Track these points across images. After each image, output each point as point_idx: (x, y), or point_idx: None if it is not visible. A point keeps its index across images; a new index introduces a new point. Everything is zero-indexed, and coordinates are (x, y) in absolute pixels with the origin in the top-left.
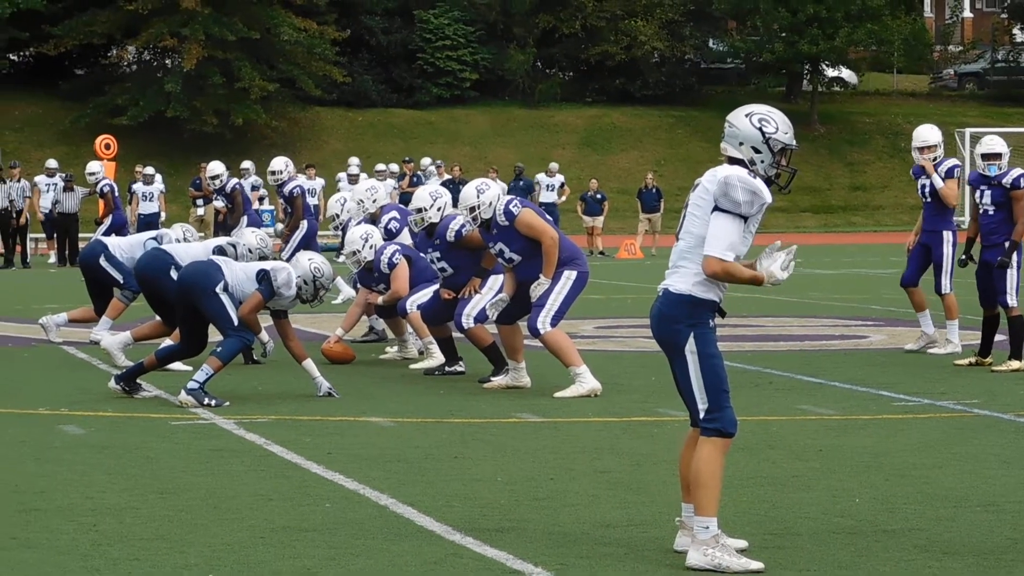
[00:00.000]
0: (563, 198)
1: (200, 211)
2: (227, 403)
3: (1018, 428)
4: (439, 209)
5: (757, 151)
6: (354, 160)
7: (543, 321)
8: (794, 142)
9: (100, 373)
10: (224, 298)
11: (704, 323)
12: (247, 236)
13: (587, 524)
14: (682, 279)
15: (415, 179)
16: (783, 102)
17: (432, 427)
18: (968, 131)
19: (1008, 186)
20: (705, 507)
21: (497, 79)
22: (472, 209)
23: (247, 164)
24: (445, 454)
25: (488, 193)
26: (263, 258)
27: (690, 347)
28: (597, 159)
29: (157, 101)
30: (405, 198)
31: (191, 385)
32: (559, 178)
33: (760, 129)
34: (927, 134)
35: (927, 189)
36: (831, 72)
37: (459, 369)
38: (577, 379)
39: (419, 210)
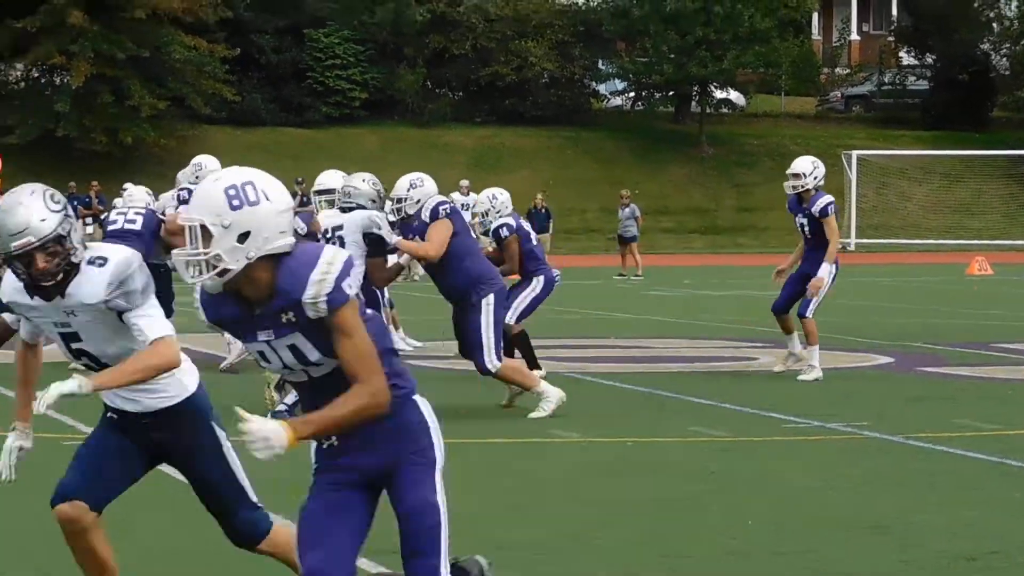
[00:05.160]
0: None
1: (89, 229)
2: None
3: (907, 450)
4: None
5: None
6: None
7: (490, 360)
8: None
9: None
10: None
11: None
12: None
13: (485, 544)
14: None
15: (304, 200)
16: (672, 123)
17: None
18: (855, 153)
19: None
20: None
21: (387, 98)
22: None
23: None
24: None
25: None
26: None
27: None
28: (488, 179)
29: (46, 119)
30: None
31: None
32: (473, 196)
33: None
34: (799, 163)
35: (806, 228)
36: (720, 94)
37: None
38: (543, 397)
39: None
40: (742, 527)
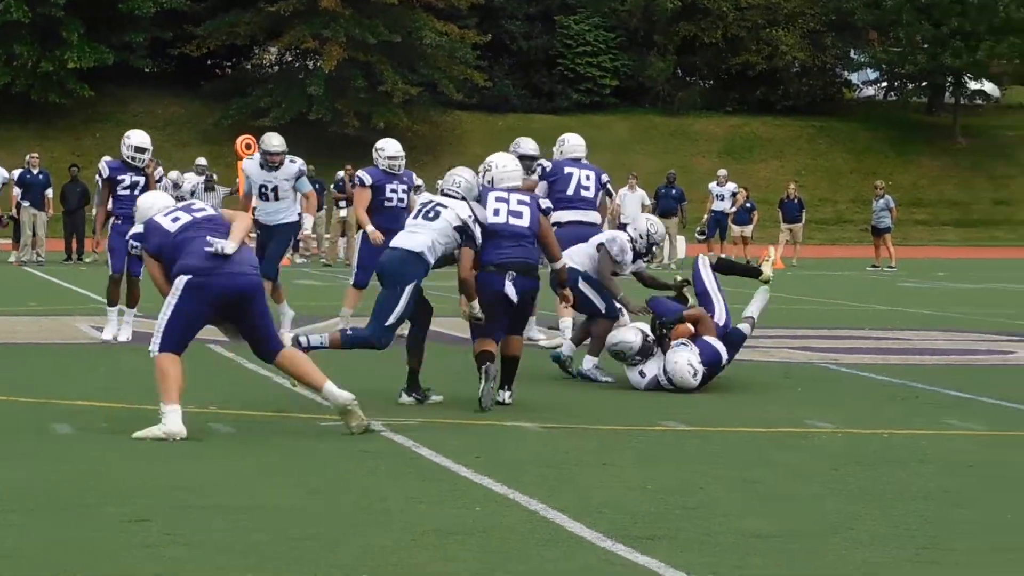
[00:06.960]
0: (735, 208)
1: (343, 213)
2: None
3: None
4: None
5: None
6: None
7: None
8: None
9: (248, 373)
10: None
11: None
12: None
13: (738, 534)
14: None
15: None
16: (925, 115)
17: (579, 433)
18: None
19: None
20: None
21: (637, 86)
22: None
23: None
24: (593, 460)
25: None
26: None
27: None
28: (738, 168)
29: (299, 103)
30: None
31: None
32: (731, 186)
33: None
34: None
35: None
36: (974, 85)
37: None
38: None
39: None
40: (1004, 522)
